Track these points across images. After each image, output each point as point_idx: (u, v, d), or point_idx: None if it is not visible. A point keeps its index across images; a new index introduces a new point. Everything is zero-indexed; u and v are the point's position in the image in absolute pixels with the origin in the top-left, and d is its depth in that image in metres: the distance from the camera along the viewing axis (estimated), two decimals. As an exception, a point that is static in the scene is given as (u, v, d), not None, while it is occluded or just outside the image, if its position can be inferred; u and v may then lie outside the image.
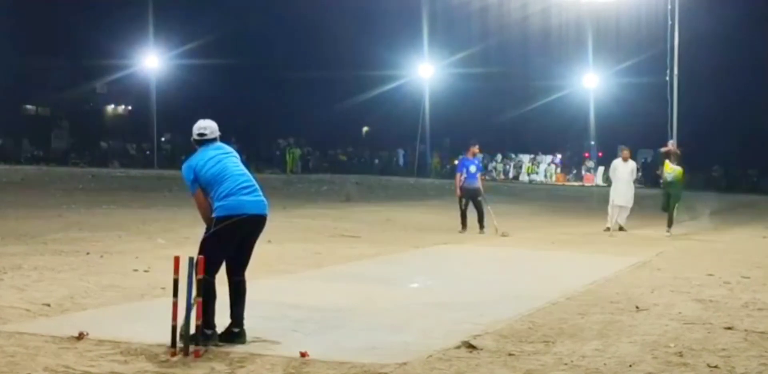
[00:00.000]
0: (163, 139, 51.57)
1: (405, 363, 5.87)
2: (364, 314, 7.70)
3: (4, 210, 16.53)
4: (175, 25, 48.59)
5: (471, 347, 6.41)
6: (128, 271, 9.60)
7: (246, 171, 6.67)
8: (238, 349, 6.15)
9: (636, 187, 19.31)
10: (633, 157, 20.74)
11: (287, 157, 48.43)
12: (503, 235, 16.03)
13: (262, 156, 50.14)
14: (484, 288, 9.50)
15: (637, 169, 20.80)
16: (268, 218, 6.64)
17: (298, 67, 49.34)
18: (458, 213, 16.70)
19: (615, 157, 19.75)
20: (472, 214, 16.55)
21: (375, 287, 9.32)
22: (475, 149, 17.18)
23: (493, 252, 13.40)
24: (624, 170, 18.86)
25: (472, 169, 16.75)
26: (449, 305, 8.35)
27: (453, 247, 13.95)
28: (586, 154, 50.93)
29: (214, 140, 6.76)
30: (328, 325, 7.11)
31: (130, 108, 58.32)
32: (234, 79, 50.70)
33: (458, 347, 6.41)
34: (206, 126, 6.81)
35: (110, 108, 58.65)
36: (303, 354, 5.96)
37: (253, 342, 6.40)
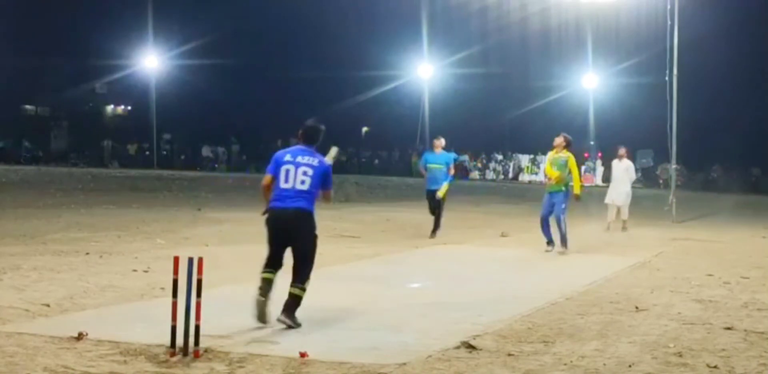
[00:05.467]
0: (165, 137, 51.53)
1: (405, 364, 5.87)
2: (364, 314, 7.71)
3: (4, 211, 16.54)
4: (175, 25, 48.67)
5: (470, 347, 6.41)
6: (128, 271, 9.61)
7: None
8: (237, 349, 6.15)
9: (633, 187, 19.22)
10: (633, 157, 20.75)
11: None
12: (503, 235, 15.99)
13: (262, 156, 50.08)
14: (484, 289, 9.50)
15: (636, 169, 20.67)
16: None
17: (298, 67, 49.33)
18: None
19: (614, 157, 19.74)
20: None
21: (374, 287, 9.32)
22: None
23: (492, 253, 13.40)
24: (618, 169, 18.90)
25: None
26: (448, 305, 8.36)
27: (452, 247, 13.95)
28: (586, 154, 50.89)
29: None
30: (328, 325, 7.11)
31: (129, 108, 58.32)
32: (234, 79, 50.66)
33: (458, 347, 6.42)
34: None
35: (110, 108, 58.65)
36: (302, 355, 5.96)
37: (253, 342, 6.41)
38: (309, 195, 7.12)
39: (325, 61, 50.37)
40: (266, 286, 6.98)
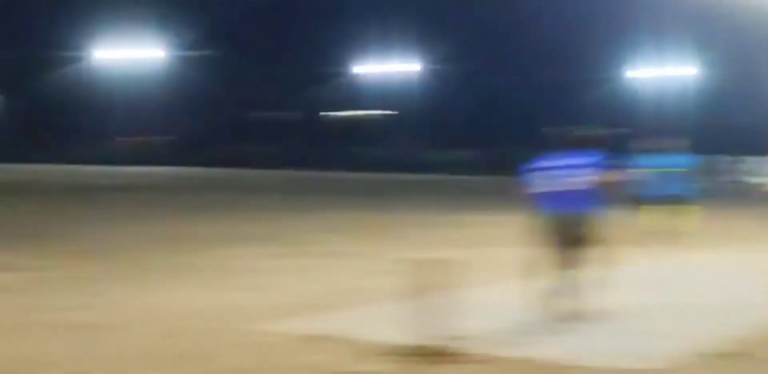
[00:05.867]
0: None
1: (667, 370, 5.66)
2: (617, 317, 7.21)
3: (259, 213, 17.55)
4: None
5: (735, 353, 6.09)
6: (372, 273, 9.54)
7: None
8: (482, 351, 5.97)
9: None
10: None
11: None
12: None
13: (503, 160, 47.92)
14: (754, 293, 8.69)
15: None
16: None
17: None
18: None
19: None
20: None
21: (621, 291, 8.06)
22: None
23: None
24: None
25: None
26: (711, 308, 7.79)
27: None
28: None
29: None
30: (580, 329, 6.80)
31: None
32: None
33: (722, 353, 6.08)
34: None
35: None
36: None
37: (502, 345, 6.23)
38: (583, 196, 7.23)
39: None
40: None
